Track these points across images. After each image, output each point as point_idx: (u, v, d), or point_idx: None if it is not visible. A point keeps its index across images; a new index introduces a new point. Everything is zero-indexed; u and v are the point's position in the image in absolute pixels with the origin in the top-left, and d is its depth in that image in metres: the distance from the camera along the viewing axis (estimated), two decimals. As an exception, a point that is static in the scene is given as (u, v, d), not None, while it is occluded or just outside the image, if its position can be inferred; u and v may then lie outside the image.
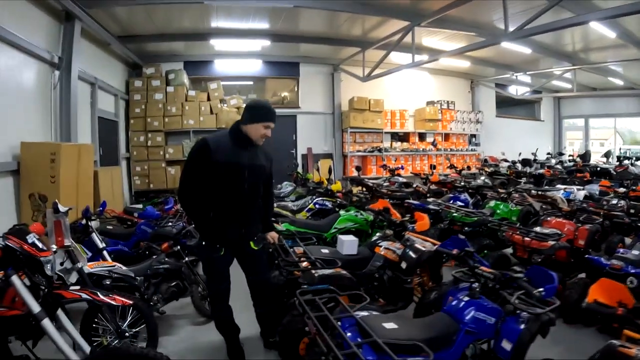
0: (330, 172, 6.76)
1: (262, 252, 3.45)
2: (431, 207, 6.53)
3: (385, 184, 9.18)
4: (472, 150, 14.12)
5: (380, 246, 4.03)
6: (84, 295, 2.59)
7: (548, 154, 14.65)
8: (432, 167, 10.56)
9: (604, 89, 15.55)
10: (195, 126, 9.89)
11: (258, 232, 3.44)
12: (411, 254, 3.87)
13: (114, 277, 3.68)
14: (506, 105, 16.60)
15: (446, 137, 13.53)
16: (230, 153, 3.08)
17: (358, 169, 9.61)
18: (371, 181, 9.38)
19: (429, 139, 12.96)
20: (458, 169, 11.08)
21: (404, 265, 3.86)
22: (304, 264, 3.46)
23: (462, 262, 3.29)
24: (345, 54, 11.27)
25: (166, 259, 4.13)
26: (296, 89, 12.18)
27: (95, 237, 4.49)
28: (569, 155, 14.53)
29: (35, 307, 2.38)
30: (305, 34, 9.78)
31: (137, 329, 3.47)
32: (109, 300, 2.64)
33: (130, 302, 2.74)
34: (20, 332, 2.51)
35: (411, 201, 7.20)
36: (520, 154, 12.97)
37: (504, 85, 15.62)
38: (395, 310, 3.83)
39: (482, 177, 9.72)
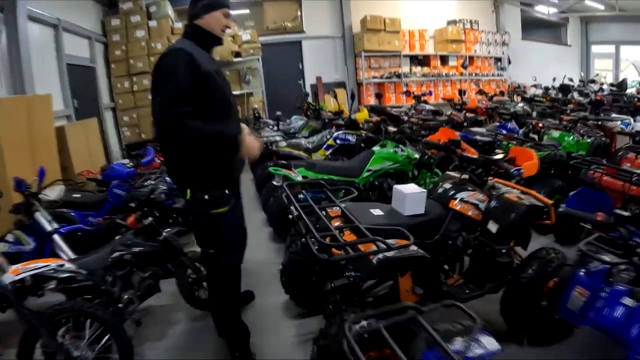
0: (353, 99, 5.36)
1: None
2: (481, 137, 5.22)
3: (412, 112, 7.82)
4: (498, 75, 12.58)
5: (455, 198, 2.72)
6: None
7: (580, 81, 13.10)
8: (461, 92, 9.09)
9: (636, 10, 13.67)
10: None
11: None
12: (505, 209, 2.58)
13: (60, 277, 2.43)
14: (531, 27, 14.82)
15: (470, 60, 11.92)
16: (208, 60, 2.33)
17: (379, 96, 8.17)
18: (394, 110, 8.00)
19: (452, 63, 11.47)
20: (489, 95, 9.66)
21: (493, 227, 2.59)
22: (347, 235, 2.18)
23: (605, 231, 2.04)
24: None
25: (135, 238, 2.84)
26: (299, 12, 10.51)
27: (40, 217, 3.26)
28: (601, 84, 12.94)
29: None
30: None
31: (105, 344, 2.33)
32: None
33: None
34: None
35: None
36: (554, 79, 11.45)
37: (530, 4, 13.84)
38: (482, 295, 2.63)
39: (521, 104, 8.33)
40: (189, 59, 2.17)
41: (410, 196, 2.46)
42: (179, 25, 8.57)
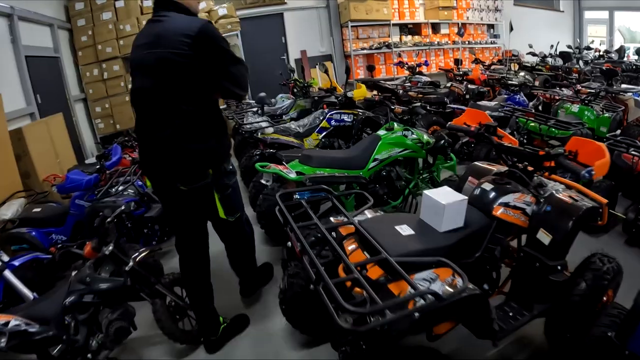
0: (349, 73, 4.70)
1: None
2: (493, 113, 4.64)
3: (407, 84, 7.18)
4: (492, 42, 11.96)
5: (500, 203, 2.07)
6: None
7: (576, 48, 12.53)
8: (458, 62, 8.46)
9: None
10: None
11: None
12: (560, 216, 2.00)
13: (9, 332, 1.82)
14: (522, -9, 14.13)
15: (462, 27, 11.24)
16: None
17: (370, 68, 7.47)
18: (388, 83, 7.35)
19: (444, 31, 10.82)
20: (486, 64, 9.05)
21: (545, 238, 2.02)
22: (372, 271, 1.60)
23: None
24: None
25: (95, 273, 2.21)
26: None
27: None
28: (605, 52, 12.35)
29: None
30: None
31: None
32: None
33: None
34: None
35: (456, 106, 5.32)
36: (552, 46, 10.84)
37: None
38: (530, 320, 2.07)
39: (522, 74, 7.76)
40: None
41: (449, 208, 1.86)
42: (149, 4, 7.63)
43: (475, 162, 2.59)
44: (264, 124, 4.21)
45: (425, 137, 3.42)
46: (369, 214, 2.15)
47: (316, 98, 5.91)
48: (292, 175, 2.84)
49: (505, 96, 5.59)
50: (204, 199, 2.31)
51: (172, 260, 3.68)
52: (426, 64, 9.08)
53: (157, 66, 2.05)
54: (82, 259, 2.32)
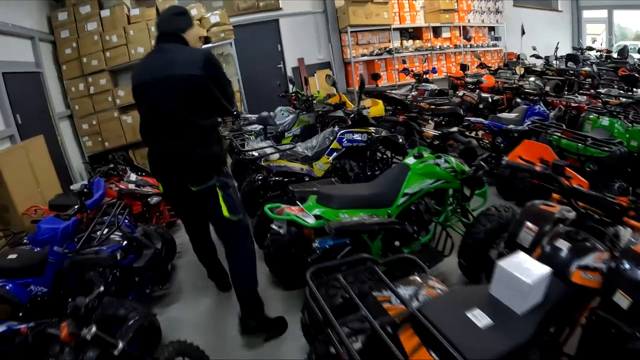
0: (363, 87, 4.23)
1: None
2: (517, 127, 4.23)
3: (413, 93, 6.75)
4: (493, 45, 11.60)
5: (580, 267, 1.63)
6: None
7: (579, 49, 12.18)
8: (464, 67, 8.05)
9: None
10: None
11: None
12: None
13: None
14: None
15: (464, 31, 10.88)
16: None
17: (375, 76, 7.02)
18: (394, 92, 6.92)
19: (445, 35, 10.44)
20: (492, 69, 8.66)
21: (624, 302, 1.60)
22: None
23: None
24: None
25: None
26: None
27: None
28: (600, 52, 11.97)
29: None
30: None
31: None
32: None
33: None
34: None
35: (475, 119, 4.90)
36: (557, 48, 10.47)
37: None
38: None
39: (532, 79, 7.36)
40: None
41: (535, 287, 1.43)
42: (137, 13, 7.20)
43: (533, 203, 2.19)
44: (268, 150, 3.74)
45: (461, 165, 2.98)
46: (419, 278, 1.72)
47: (320, 112, 5.47)
48: (311, 221, 2.39)
49: (525, 107, 5.16)
50: (210, 198, 2.60)
51: (170, 310, 3.25)
52: (434, 71, 8.67)
53: (178, 86, 2.39)
54: (60, 343, 1.84)
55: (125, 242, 2.90)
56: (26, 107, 5.57)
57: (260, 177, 4.01)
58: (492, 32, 11.92)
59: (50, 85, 6.57)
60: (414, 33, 10.41)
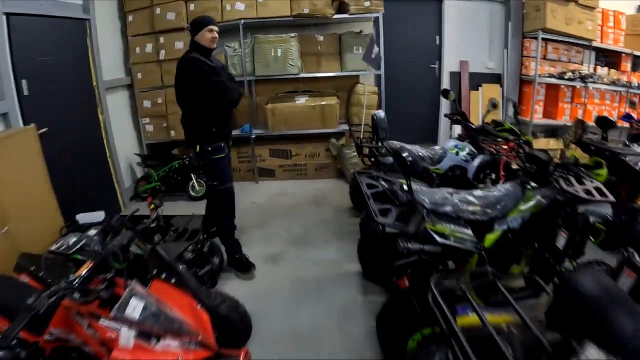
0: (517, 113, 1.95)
1: None
2: None
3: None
4: None
5: None
6: None
7: None
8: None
9: None
10: (248, 14, 5.21)
11: None
12: None
13: None
14: None
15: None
16: (212, 61, 3.23)
17: (632, 104, 4.34)
18: (629, 157, 4.18)
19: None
20: None
21: None
22: None
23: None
24: None
25: None
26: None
27: None
28: None
29: None
30: None
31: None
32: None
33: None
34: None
35: None
36: None
37: None
38: None
39: None
40: (205, 61, 3.11)
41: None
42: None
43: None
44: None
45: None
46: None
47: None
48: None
49: None
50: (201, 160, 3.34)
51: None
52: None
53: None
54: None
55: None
56: (45, 70, 3.62)
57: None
58: None
59: (103, 40, 4.53)
60: (610, 58, 7.53)
